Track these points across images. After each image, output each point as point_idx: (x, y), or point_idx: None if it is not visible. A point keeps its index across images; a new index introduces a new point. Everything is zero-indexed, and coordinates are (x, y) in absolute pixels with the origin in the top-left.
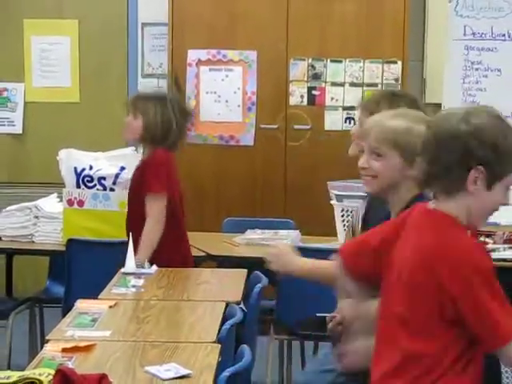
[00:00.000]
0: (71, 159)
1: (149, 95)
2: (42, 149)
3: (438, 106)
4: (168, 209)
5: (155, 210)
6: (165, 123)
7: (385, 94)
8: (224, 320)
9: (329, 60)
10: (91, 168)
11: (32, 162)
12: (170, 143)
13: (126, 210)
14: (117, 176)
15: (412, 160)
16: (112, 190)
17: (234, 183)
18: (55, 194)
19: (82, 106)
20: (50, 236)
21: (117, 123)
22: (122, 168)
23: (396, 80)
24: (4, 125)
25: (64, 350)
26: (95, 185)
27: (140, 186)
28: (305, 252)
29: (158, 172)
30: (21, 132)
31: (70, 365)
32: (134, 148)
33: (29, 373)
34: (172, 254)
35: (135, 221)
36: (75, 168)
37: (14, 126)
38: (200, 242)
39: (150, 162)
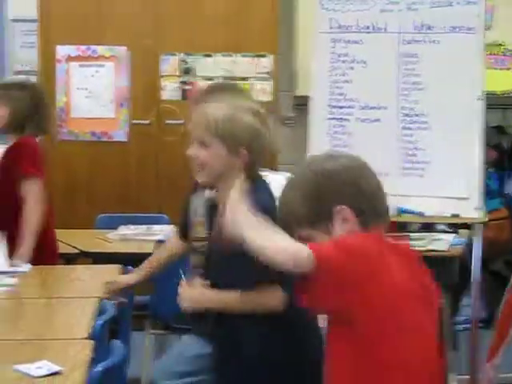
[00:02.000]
0: None
1: (9, 83)
2: None
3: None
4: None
5: (33, 192)
6: (28, 109)
7: (213, 86)
8: (97, 316)
9: (200, 55)
10: None
11: None
12: (34, 128)
13: None
14: None
15: (236, 149)
16: None
17: (107, 180)
18: None
19: None
20: None
21: None
22: None
23: (268, 73)
24: None
25: None
26: None
27: (7, 176)
28: None
29: (30, 155)
30: None
31: None
32: None
33: None
34: (41, 249)
35: (4, 215)
36: None
37: None
38: (73, 238)
39: (19, 148)
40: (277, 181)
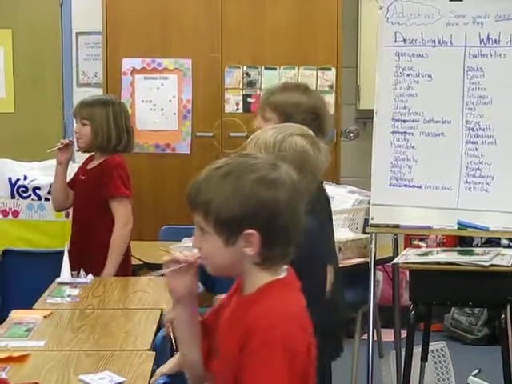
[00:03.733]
0: (5, 170)
1: (93, 101)
2: None
3: (372, 111)
4: None
5: (123, 213)
6: (113, 127)
7: (279, 85)
8: (159, 328)
9: (263, 67)
10: (26, 178)
11: None
12: (121, 147)
13: (70, 218)
14: (51, 186)
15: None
16: (47, 199)
17: (170, 191)
18: None
19: (16, 117)
20: None
21: (51, 133)
22: None
23: (330, 87)
24: None
25: None
26: (30, 195)
27: (94, 193)
28: None
29: (120, 175)
30: None
31: (3, 375)
32: None
33: None
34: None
35: (84, 229)
36: (9, 178)
37: None
38: (137, 250)
39: (109, 166)
40: (339, 194)
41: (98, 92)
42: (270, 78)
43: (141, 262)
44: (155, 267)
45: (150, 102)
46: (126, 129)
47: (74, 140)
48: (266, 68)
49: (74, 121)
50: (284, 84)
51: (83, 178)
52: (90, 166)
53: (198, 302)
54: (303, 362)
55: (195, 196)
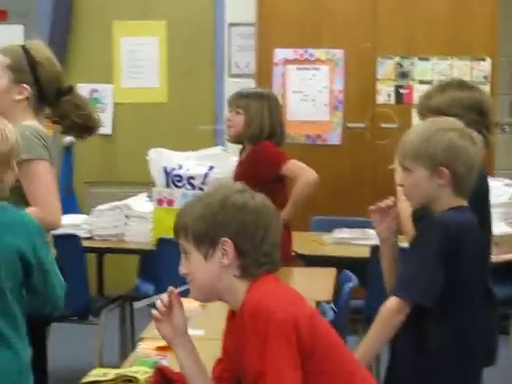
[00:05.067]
0: (161, 159)
1: (249, 93)
2: (131, 149)
3: None
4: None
5: (296, 166)
6: (267, 119)
7: (434, 87)
8: None
9: (416, 58)
10: (180, 168)
11: (121, 161)
12: (275, 140)
13: None
14: (206, 176)
15: (436, 169)
16: (201, 189)
17: (321, 182)
18: (145, 194)
19: (169, 107)
20: (141, 235)
21: (204, 123)
22: (211, 167)
23: (485, 78)
24: None
25: (158, 348)
26: (184, 184)
27: (251, 179)
28: None
29: (277, 150)
30: (110, 133)
31: (164, 363)
32: (223, 148)
33: (125, 371)
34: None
35: None
36: (165, 168)
37: (103, 126)
38: None
39: (261, 150)
40: (494, 187)
41: (250, 82)
42: (422, 69)
43: (293, 253)
44: (307, 258)
45: (301, 92)
46: (279, 122)
47: (225, 128)
48: (419, 59)
49: (227, 110)
50: (439, 84)
51: (237, 170)
52: (242, 158)
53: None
54: (301, 330)
55: (176, 224)
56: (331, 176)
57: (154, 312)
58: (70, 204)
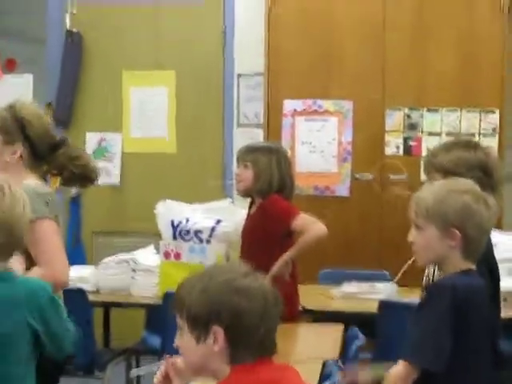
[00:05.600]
0: (168, 212)
1: (257, 146)
2: (139, 199)
3: None
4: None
5: (306, 221)
6: (276, 173)
7: (441, 145)
8: (322, 378)
9: (425, 109)
10: (188, 221)
11: (129, 212)
12: (284, 194)
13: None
14: (213, 229)
15: (448, 230)
16: (208, 242)
17: (329, 234)
18: (152, 246)
19: (178, 157)
20: (147, 289)
21: (213, 175)
22: (219, 221)
23: (494, 130)
24: (102, 175)
25: None
26: (192, 238)
27: (260, 233)
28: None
29: (287, 204)
30: (118, 182)
31: None
32: (231, 200)
33: None
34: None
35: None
36: (172, 221)
37: (111, 176)
38: None
39: (271, 204)
40: (503, 241)
41: (259, 133)
42: (431, 121)
43: (300, 308)
44: (314, 313)
45: (310, 143)
46: (288, 175)
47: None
48: (427, 110)
49: (236, 164)
50: (445, 143)
51: (247, 224)
52: (251, 212)
53: None
54: None
55: (175, 299)
56: (340, 228)
57: (155, 380)
58: (78, 254)
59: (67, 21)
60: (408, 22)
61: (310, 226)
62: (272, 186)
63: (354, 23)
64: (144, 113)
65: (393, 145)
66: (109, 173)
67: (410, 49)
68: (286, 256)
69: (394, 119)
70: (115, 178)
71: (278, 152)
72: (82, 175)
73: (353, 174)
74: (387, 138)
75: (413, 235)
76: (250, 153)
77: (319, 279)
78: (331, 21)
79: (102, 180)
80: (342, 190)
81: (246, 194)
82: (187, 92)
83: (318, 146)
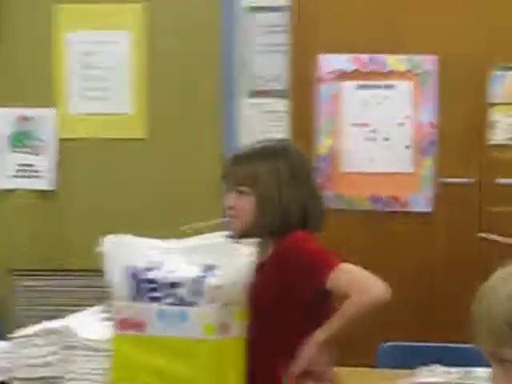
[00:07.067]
0: (122, 252)
1: (254, 153)
2: (83, 215)
3: None
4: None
5: (356, 272)
6: (291, 194)
7: None
8: None
9: None
10: (158, 267)
11: (69, 236)
12: (309, 225)
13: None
14: (200, 281)
15: None
16: (192, 304)
17: (398, 280)
18: (97, 308)
19: (149, 145)
20: (90, 379)
21: (204, 176)
22: (209, 268)
23: None
24: (26, 176)
25: None
26: (164, 296)
27: (276, 294)
28: None
29: (314, 245)
30: (51, 187)
31: None
32: (228, 234)
33: None
34: None
35: (269, 351)
36: (128, 268)
37: (38, 177)
38: None
39: (291, 248)
40: None
41: (279, 107)
42: None
43: None
44: None
45: (366, 126)
46: (313, 194)
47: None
48: None
49: (224, 188)
50: None
51: (258, 278)
52: (262, 259)
53: None
54: None
55: None
56: (417, 267)
57: None
58: None
59: None
60: None
61: (360, 284)
62: (289, 216)
63: None
64: (91, 75)
65: (503, 127)
66: (35, 172)
67: None
68: (320, 335)
69: (505, 84)
70: (45, 181)
71: (288, 155)
72: None
73: (437, 177)
74: (493, 115)
75: None
76: (243, 165)
77: (378, 359)
78: None
79: (23, 184)
80: (421, 202)
81: (247, 234)
82: (163, 38)
83: (380, 129)
